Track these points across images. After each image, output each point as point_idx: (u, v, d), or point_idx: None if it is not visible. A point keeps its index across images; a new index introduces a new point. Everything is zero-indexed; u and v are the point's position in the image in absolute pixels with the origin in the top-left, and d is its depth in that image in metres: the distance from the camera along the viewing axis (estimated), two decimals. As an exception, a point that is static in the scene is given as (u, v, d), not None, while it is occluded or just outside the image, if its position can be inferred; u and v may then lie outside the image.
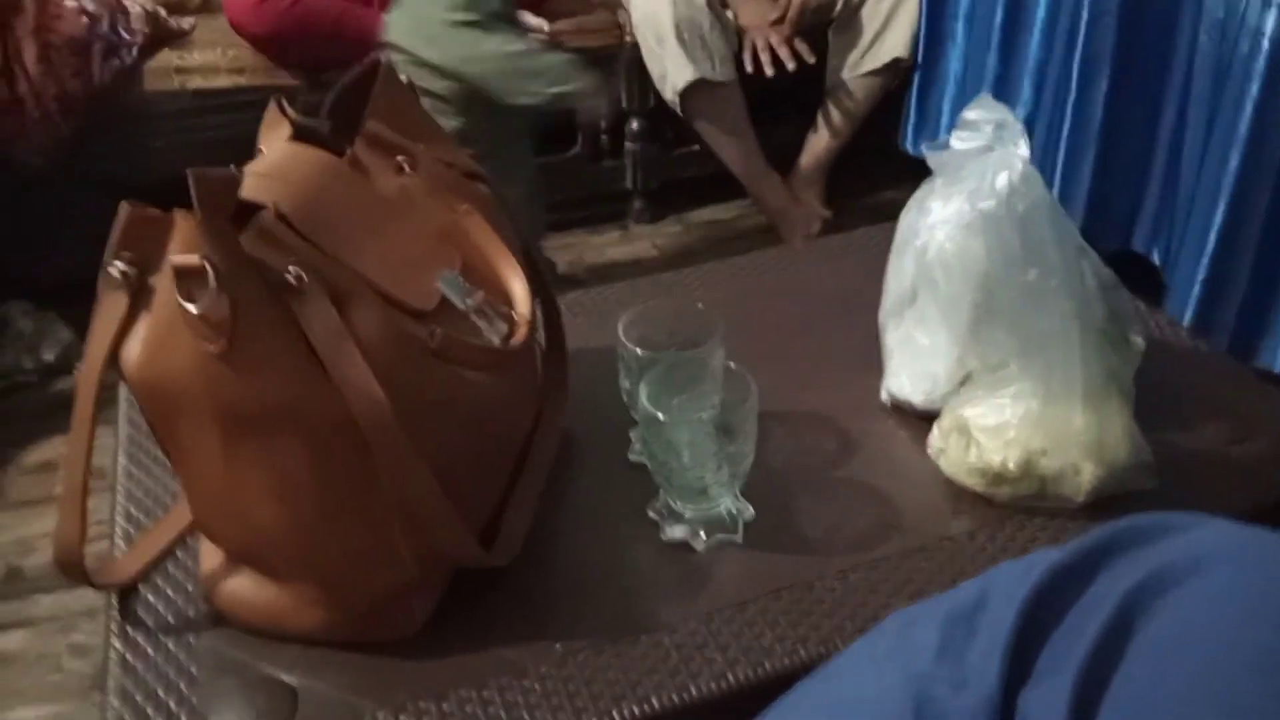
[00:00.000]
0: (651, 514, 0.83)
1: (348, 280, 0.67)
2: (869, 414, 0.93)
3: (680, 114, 2.06)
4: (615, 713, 0.70)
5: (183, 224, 0.65)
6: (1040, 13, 1.81)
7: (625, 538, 0.82)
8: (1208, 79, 1.55)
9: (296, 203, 0.67)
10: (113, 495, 0.89)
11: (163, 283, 0.66)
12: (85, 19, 1.89)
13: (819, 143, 2.20)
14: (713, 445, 0.78)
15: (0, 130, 1.84)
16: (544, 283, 0.88)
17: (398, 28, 1.58)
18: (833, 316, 1.04)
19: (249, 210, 0.65)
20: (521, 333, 0.77)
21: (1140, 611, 0.35)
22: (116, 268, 0.67)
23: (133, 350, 0.68)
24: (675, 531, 0.81)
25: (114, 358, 0.68)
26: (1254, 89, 1.40)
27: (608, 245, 2.24)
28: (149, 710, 0.71)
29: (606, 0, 2.15)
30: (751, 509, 0.82)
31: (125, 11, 1.99)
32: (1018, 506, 0.83)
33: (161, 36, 2.05)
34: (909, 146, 2.19)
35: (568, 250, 2.16)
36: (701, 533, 0.81)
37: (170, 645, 0.75)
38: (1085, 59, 1.71)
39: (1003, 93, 1.92)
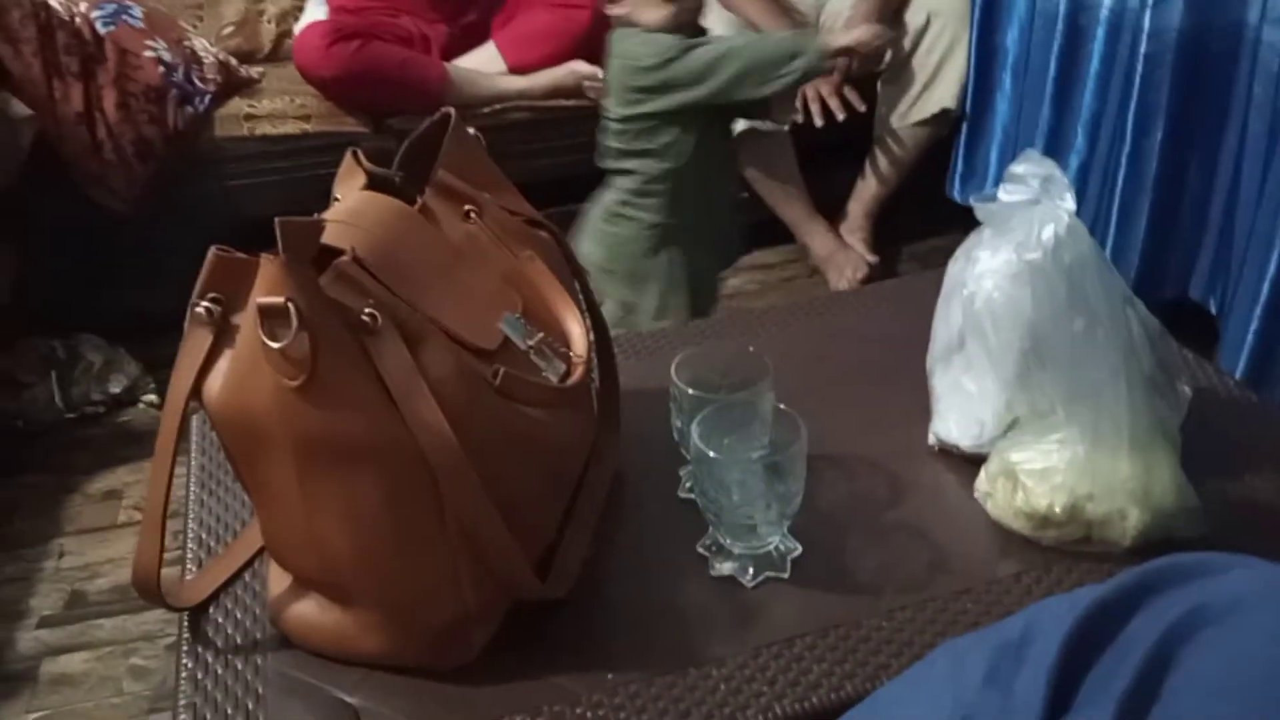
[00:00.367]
0: (701, 550, 0.85)
1: (418, 321, 0.70)
2: (916, 457, 0.95)
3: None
4: (665, 743, 0.71)
5: (266, 267, 0.69)
6: (1094, 65, 1.83)
7: (676, 572, 0.84)
8: (1263, 130, 1.56)
9: (372, 248, 0.71)
10: (185, 521, 0.93)
11: (246, 321, 0.70)
12: (162, 68, 1.98)
13: (867, 190, 2.23)
14: (762, 484, 0.80)
15: (81, 173, 1.93)
16: (600, 324, 0.92)
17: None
18: (881, 360, 1.06)
19: (329, 255, 0.69)
20: (578, 372, 0.80)
21: (1180, 647, 0.36)
22: (203, 306, 0.71)
23: (215, 384, 0.72)
24: (724, 567, 0.83)
25: (196, 391, 0.72)
26: (1307, 141, 1.41)
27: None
28: (218, 727, 0.74)
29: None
30: (800, 547, 0.84)
31: (199, 61, 2.08)
32: (1064, 550, 0.84)
33: (233, 85, 2.13)
34: (956, 195, 2.20)
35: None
36: (750, 569, 0.83)
37: (238, 665, 0.78)
38: (1140, 110, 1.72)
39: (1056, 143, 1.93)
